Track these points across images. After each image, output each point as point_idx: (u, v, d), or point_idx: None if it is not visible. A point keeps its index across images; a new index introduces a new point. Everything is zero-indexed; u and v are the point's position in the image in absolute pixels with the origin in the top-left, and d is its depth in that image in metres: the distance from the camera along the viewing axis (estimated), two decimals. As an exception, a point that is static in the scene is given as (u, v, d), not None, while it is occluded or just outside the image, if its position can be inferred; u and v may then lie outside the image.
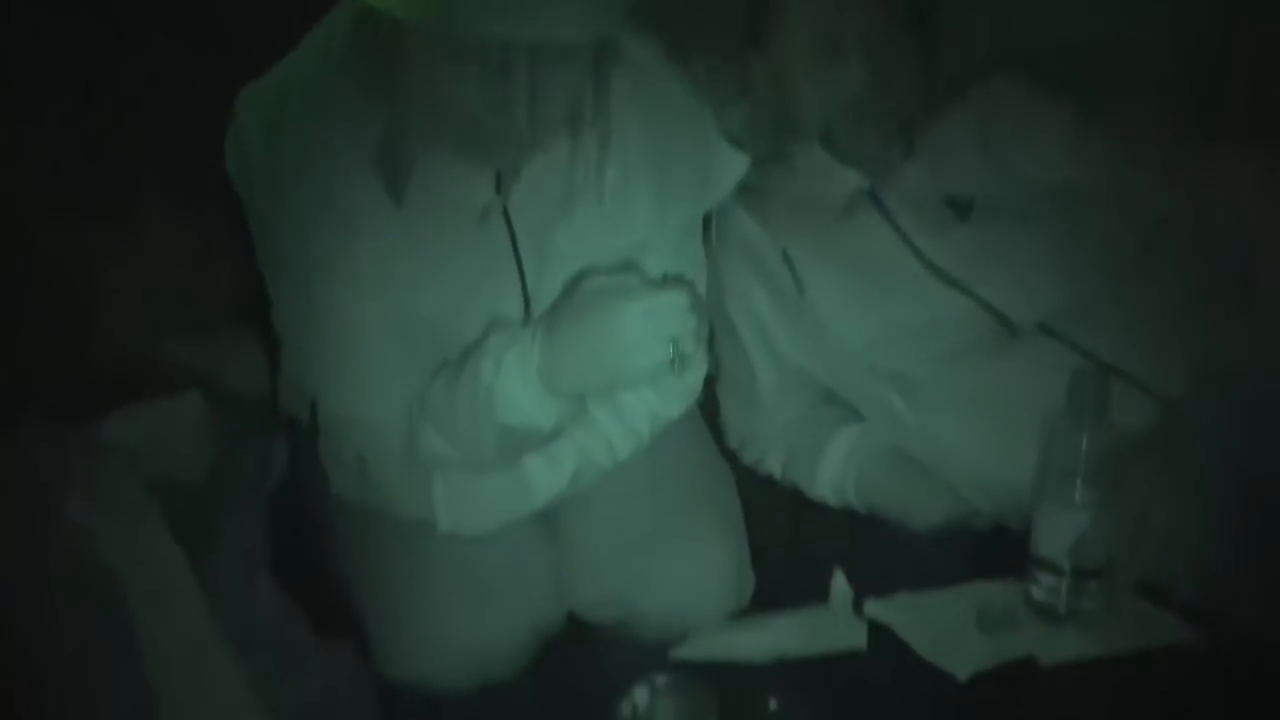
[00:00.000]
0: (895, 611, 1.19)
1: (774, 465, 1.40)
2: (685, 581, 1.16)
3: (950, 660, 1.13)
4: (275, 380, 1.12)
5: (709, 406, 1.30)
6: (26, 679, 0.85)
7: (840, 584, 1.21)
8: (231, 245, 0.98)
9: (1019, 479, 1.19)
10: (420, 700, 1.11)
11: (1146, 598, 1.18)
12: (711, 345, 1.19)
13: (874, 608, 1.20)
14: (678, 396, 1.18)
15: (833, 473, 1.36)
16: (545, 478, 1.16)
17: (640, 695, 1.01)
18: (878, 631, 1.17)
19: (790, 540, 1.32)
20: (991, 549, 1.26)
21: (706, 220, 1.21)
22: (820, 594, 1.20)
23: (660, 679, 1.01)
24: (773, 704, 1.01)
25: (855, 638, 1.17)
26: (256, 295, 1.06)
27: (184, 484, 0.92)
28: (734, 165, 1.15)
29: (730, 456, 1.33)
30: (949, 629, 1.17)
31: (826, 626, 1.18)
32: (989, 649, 1.14)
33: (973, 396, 1.19)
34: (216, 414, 0.94)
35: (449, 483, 1.14)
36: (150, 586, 0.90)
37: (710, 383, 1.27)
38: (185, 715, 0.90)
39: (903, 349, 1.19)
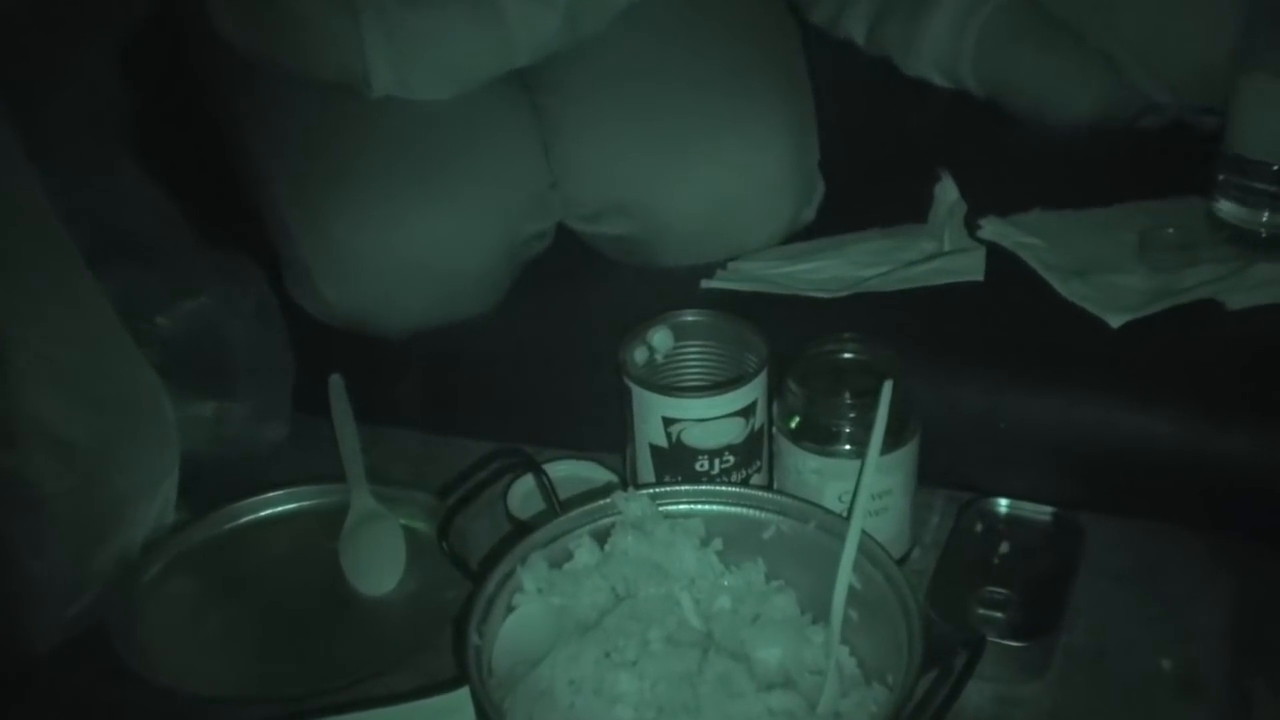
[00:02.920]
0: (1025, 234, 1.11)
1: (856, 26, 1.28)
2: (725, 183, 1.07)
3: (1099, 301, 1.04)
4: None
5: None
6: None
7: (948, 193, 1.13)
8: None
9: (1210, 52, 1.11)
10: (352, 343, 1.07)
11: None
12: None
13: (995, 228, 1.11)
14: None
15: (940, 39, 1.23)
16: (527, 13, 1.04)
17: (657, 336, 0.93)
18: (999, 261, 1.09)
19: (875, 134, 1.22)
20: (1163, 155, 1.17)
21: None
22: (917, 208, 1.14)
23: (686, 317, 0.94)
24: (848, 351, 0.91)
25: (968, 267, 1.09)
26: None
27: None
28: None
29: (796, 13, 1.24)
30: (1100, 259, 1.08)
31: (926, 251, 1.11)
32: (1153, 287, 1.05)
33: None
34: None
35: (386, 21, 1.03)
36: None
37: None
38: (21, 349, 0.84)
39: None
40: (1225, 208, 1.08)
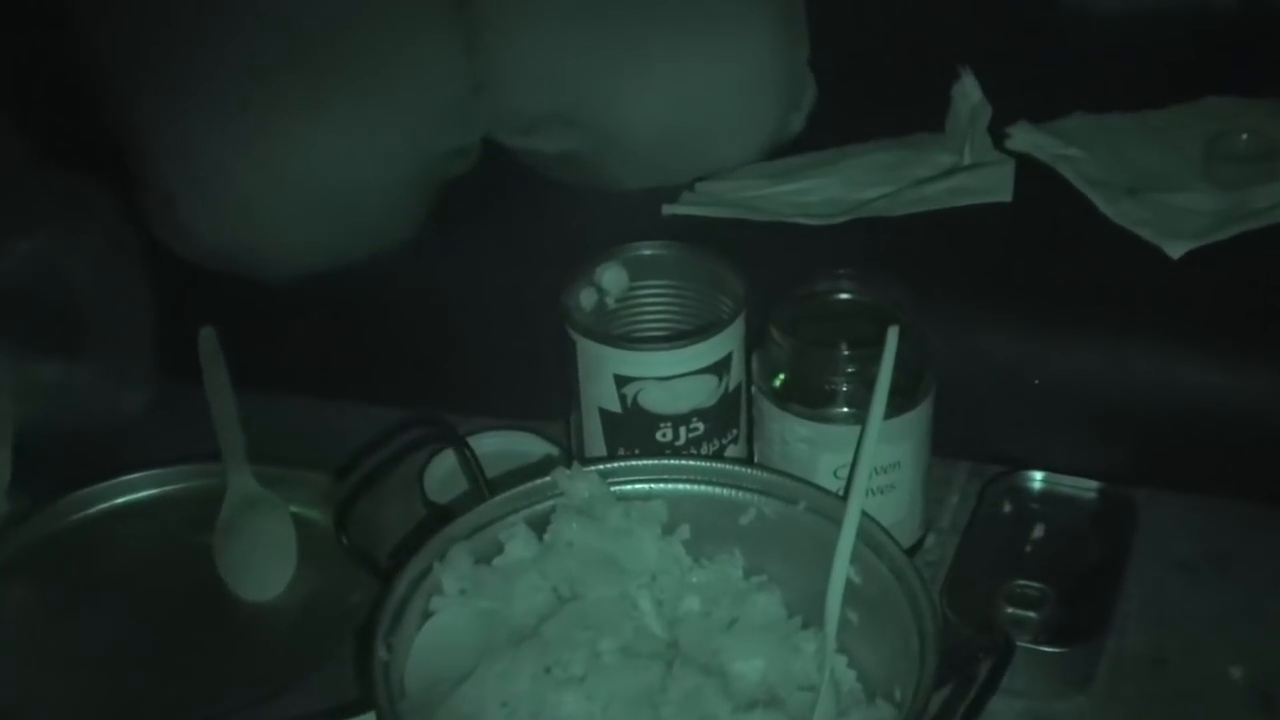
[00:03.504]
0: (1064, 144, 1.12)
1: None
2: (690, 81, 1.09)
3: (1156, 225, 1.05)
4: None
5: None
6: None
7: (970, 94, 1.13)
8: None
9: None
10: (229, 289, 1.07)
11: None
12: None
13: (1027, 137, 1.13)
14: None
15: None
16: None
17: (607, 277, 0.93)
18: (1032, 177, 1.10)
19: (880, 23, 1.22)
20: (1237, 42, 1.18)
21: None
22: (932, 115, 1.15)
23: (644, 251, 0.94)
24: (845, 291, 0.91)
25: (993, 185, 1.10)
26: None
27: None
28: None
29: None
30: (1156, 174, 1.10)
31: (942, 166, 1.12)
32: (1221, 208, 1.06)
33: None
34: None
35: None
36: None
37: None
38: None
39: None
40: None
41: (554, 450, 0.97)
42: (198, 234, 1.04)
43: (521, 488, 0.83)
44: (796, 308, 0.89)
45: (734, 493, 0.84)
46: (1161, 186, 1.07)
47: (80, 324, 0.99)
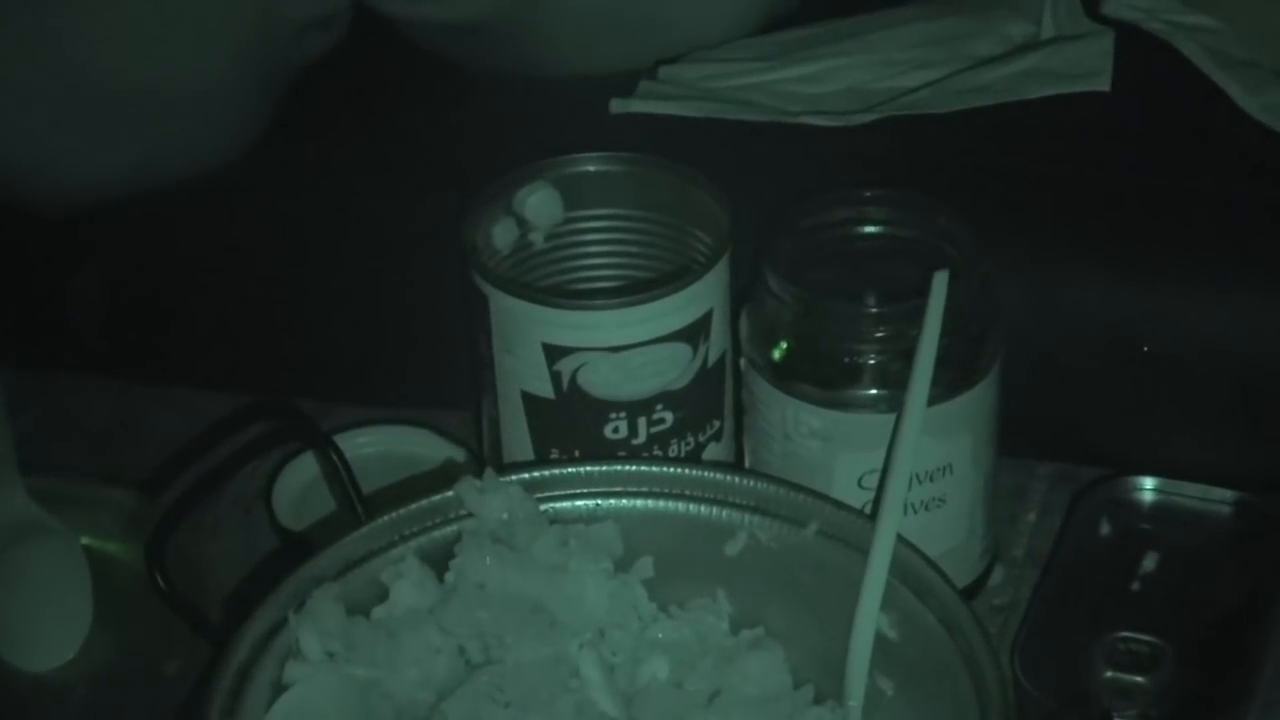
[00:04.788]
0: (1183, 9, 1.13)
1: None
2: None
3: None
4: None
5: None
6: None
7: None
8: None
9: None
10: None
11: None
12: None
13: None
14: None
15: None
16: None
17: (533, 204, 0.94)
18: (1138, 55, 1.11)
19: None
20: None
21: None
22: None
23: (585, 166, 0.95)
24: (873, 220, 0.92)
25: (1083, 66, 1.10)
26: None
27: None
28: None
29: None
30: None
31: (1010, 40, 1.13)
32: None
33: None
34: None
35: None
36: None
37: None
38: None
39: None
40: None
41: (458, 453, 0.97)
42: None
43: (412, 506, 0.84)
44: (803, 245, 0.90)
45: (717, 511, 0.84)
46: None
47: None
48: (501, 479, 0.84)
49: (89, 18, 1.04)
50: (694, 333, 0.89)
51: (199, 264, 1.09)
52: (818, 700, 0.82)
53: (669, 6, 1.11)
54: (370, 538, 0.83)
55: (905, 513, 0.82)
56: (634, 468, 0.86)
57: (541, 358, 0.89)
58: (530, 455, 0.92)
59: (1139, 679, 0.87)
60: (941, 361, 0.84)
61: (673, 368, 0.89)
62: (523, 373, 0.90)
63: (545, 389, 0.90)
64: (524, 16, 1.09)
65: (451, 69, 1.13)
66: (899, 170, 1.01)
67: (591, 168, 0.94)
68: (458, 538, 0.83)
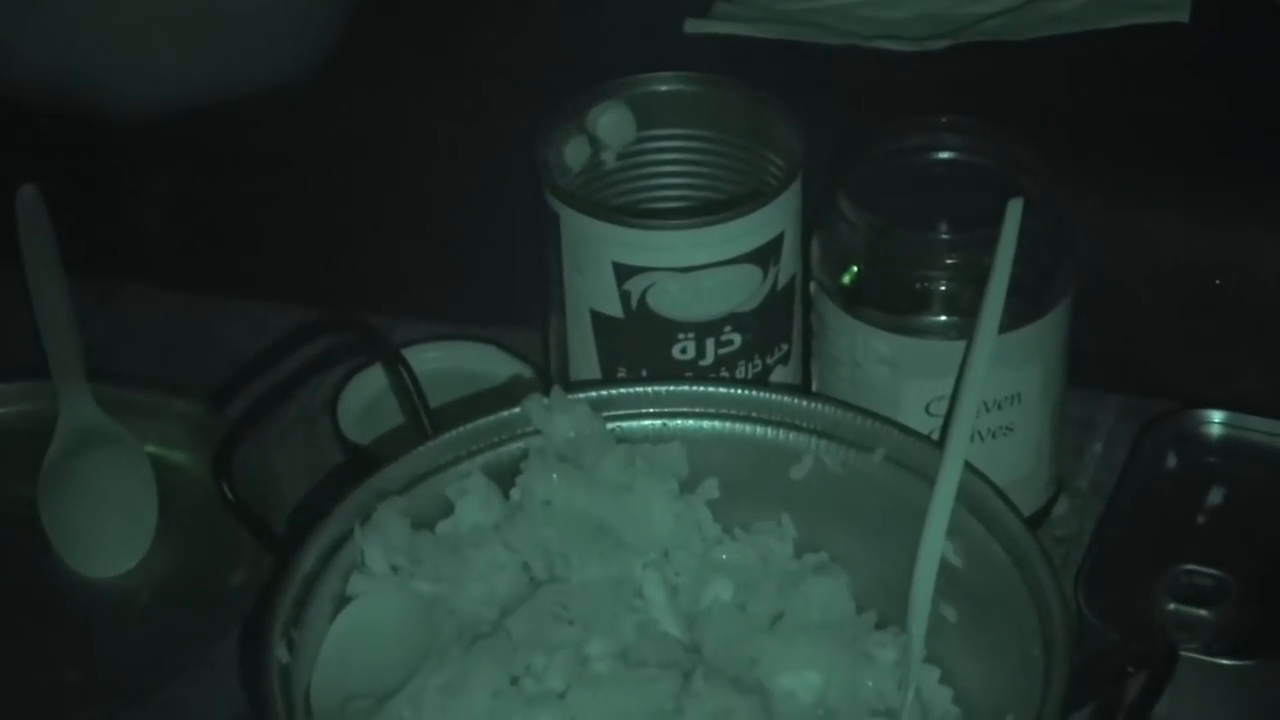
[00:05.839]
0: None
1: None
2: None
3: None
4: None
5: None
6: None
7: None
8: None
9: None
10: (62, 137, 1.08)
11: None
12: None
13: None
14: None
15: None
16: None
17: (605, 123, 0.94)
18: None
19: None
20: None
21: None
22: None
23: (658, 86, 0.95)
24: (946, 147, 0.91)
25: None
26: None
27: None
28: None
29: None
30: None
31: None
32: None
33: None
34: None
35: None
36: None
37: None
38: None
39: None
40: None
41: (524, 370, 0.97)
42: (20, 55, 1.05)
43: (479, 422, 0.84)
44: (876, 171, 0.90)
45: (783, 434, 0.84)
46: None
47: None
48: (569, 397, 0.84)
49: None
50: (764, 255, 0.89)
51: (269, 177, 1.09)
52: (880, 626, 0.81)
53: None
54: (436, 453, 0.83)
55: (973, 441, 0.81)
56: (701, 388, 0.85)
57: (611, 277, 0.88)
58: (597, 374, 0.91)
59: (1202, 612, 0.86)
60: (1013, 290, 0.83)
61: (742, 290, 0.89)
62: (592, 291, 0.89)
63: (614, 308, 0.89)
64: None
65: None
66: (973, 98, 1.01)
67: (664, 87, 0.93)
68: (524, 455, 0.83)
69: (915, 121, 0.91)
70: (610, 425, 0.84)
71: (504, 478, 0.83)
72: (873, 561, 0.83)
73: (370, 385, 0.94)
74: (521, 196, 0.91)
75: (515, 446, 0.83)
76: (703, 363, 0.90)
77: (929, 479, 0.80)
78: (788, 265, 0.90)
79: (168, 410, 0.96)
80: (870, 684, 0.79)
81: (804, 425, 0.84)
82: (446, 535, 0.82)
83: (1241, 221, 0.99)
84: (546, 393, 0.84)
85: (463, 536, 0.82)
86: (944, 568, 0.79)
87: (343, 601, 0.79)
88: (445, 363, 0.96)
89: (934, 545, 0.79)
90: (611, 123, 0.92)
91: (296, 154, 1.09)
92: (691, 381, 0.87)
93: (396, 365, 0.88)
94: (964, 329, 0.84)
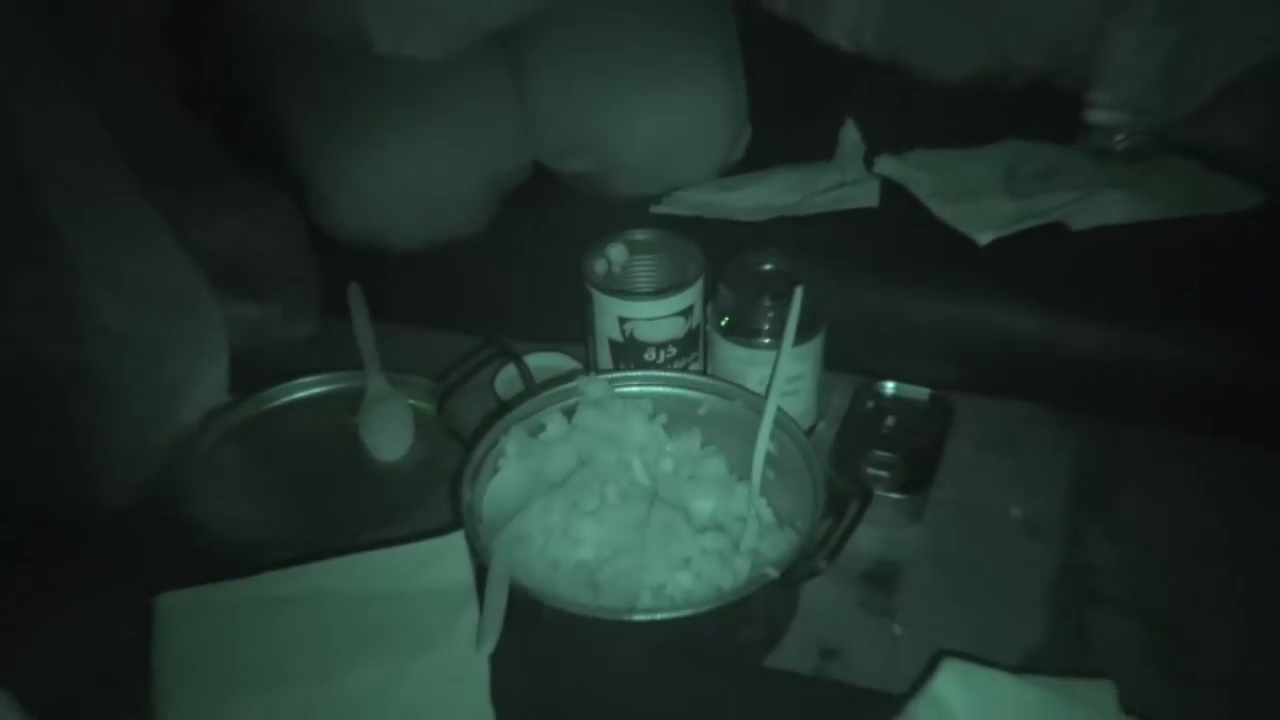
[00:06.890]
0: (912, 168, 1.07)
1: (778, -1, 1.21)
2: (670, 126, 1.04)
3: (971, 221, 1.01)
4: None
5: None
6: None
7: (851, 135, 1.10)
8: None
9: (1069, 25, 1.07)
10: (366, 257, 1.04)
11: (1198, 158, 1.06)
12: None
13: (887, 164, 1.08)
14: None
15: (847, 8, 1.16)
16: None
17: (614, 251, 0.91)
18: (891, 190, 1.06)
19: (793, 90, 1.15)
20: (1029, 109, 1.12)
21: None
22: (826, 150, 1.11)
23: (638, 235, 0.91)
24: (768, 263, 0.89)
25: (865, 195, 1.06)
26: None
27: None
28: None
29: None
30: (971, 189, 1.05)
31: (832, 182, 1.07)
32: (1015, 210, 1.02)
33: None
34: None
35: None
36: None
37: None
38: (86, 258, 0.80)
39: None
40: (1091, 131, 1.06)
41: (578, 365, 0.95)
42: (344, 222, 1.01)
43: (556, 389, 0.83)
44: (737, 273, 0.88)
45: (695, 394, 0.83)
46: (975, 196, 1.03)
47: (267, 278, 0.96)
48: (598, 378, 0.83)
49: (414, 162, 0.99)
50: (687, 312, 0.87)
51: (464, 276, 1.05)
52: (740, 480, 0.80)
53: (676, 164, 1.06)
54: (538, 402, 0.82)
55: (780, 397, 0.79)
56: (657, 373, 0.84)
57: (617, 323, 0.87)
58: (610, 367, 0.89)
59: (883, 473, 0.85)
60: (799, 326, 0.81)
61: (677, 328, 0.87)
62: (608, 329, 0.88)
63: (618, 337, 0.87)
64: (608, 169, 1.04)
65: (576, 192, 1.08)
66: (781, 240, 0.98)
67: (641, 235, 0.91)
68: (577, 404, 0.82)
69: (754, 250, 0.89)
70: (617, 390, 0.83)
71: (569, 413, 0.81)
72: (737, 451, 0.81)
73: (510, 371, 0.92)
74: (576, 286, 0.89)
75: (573, 400, 0.82)
76: (658, 362, 0.88)
77: (761, 413, 0.78)
78: (697, 316, 0.88)
79: (417, 384, 0.93)
80: (735, 506, 0.78)
81: (704, 390, 0.83)
82: (542, 440, 0.80)
83: (902, 292, 0.97)
84: (588, 376, 0.83)
85: (550, 441, 0.80)
86: (768, 455, 0.78)
87: (495, 472, 0.78)
88: (542, 361, 0.94)
89: (763, 443, 0.78)
90: (616, 252, 0.90)
91: (476, 265, 1.05)
92: (653, 369, 0.86)
93: (519, 362, 0.87)
94: (777, 345, 0.83)
